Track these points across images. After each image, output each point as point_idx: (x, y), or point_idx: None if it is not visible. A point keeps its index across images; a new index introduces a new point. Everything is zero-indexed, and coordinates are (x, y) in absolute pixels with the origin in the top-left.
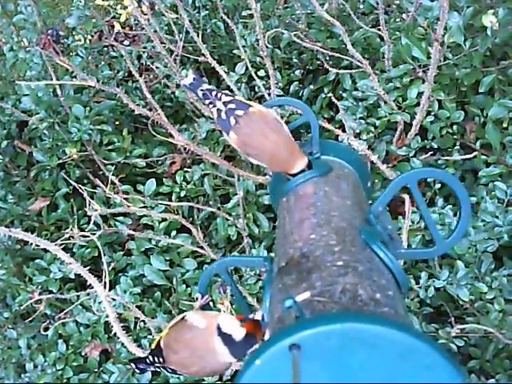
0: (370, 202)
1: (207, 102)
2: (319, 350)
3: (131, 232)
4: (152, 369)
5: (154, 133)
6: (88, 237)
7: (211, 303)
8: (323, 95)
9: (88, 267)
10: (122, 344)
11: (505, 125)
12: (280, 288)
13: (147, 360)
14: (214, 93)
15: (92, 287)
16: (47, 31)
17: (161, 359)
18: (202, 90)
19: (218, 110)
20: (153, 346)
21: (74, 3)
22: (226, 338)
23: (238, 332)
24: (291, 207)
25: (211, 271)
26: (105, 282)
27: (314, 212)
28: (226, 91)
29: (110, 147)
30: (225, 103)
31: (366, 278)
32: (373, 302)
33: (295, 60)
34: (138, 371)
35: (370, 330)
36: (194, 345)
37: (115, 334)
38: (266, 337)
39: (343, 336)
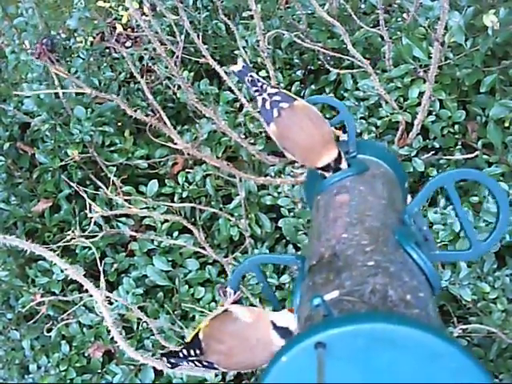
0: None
1: (254, 89)
2: (346, 349)
3: (133, 233)
4: (185, 363)
5: (155, 135)
6: (91, 237)
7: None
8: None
9: (91, 268)
10: None
11: (506, 124)
12: (310, 286)
13: (181, 354)
14: (260, 83)
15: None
16: (42, 41)
17: (197, 351)
18: (250, 77)
19: (263, 99)
20: (188, 339)
21: (75, 5)
22: (283, 332)
23: (295, 325)
24: (325, 205)
25: (243, 268)
26: (102, 288)
27: (348, 211)
28: (273, 84)
29: (111, 148)
30: (270, 95)
31: (397, 278)
32: (403, 303)
33: (296, 60)
34: (169, 365)
35: (398, 331)
36: (243, 335)
37: None
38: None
39: (370, 336)
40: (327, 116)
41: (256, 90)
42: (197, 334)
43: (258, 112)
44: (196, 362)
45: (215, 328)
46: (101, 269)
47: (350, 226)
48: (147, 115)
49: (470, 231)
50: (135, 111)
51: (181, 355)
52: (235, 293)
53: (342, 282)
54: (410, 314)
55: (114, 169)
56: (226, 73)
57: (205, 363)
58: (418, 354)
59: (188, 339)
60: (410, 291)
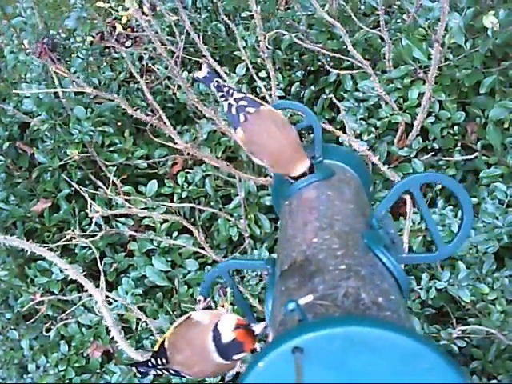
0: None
1: (219, 94)
2: (322, 354)
3: (133, 233)
4: (153, 372)
5: (155, 134)
6: (91, 237)
7: (213, 305)
8: (324, 96)
9: (90, 268)
10: None
11: (506, 126)
12: (282, 291)
13: (149, 363)
14: (226, 88)
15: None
16: (42, 40)
17: (164, 360)
18: (216, 82)
19: (229, 104)
20: (156, 348)
21: (74, 5)
22: (217, 336)
23: (227, 335)
24: (294, 211)
25: (213, 274)
26: (102, 287)
27: (317, 216)
28: (239, 88)
29: (111, 148)
30: (236, 100)
31: (369, 282)
32: (375, 306)
33: (296, 61)
34: (139, 375)
35: (373, 334)
36: (194, 343)
37: None
38: (269, 339)
39: (346, 339)
40: (327, 117)
41: (222, 96)
42: (163, 343)
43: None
44: (164, 371)
45: (177, 336)
46: (101, 268)
47: (320, 231)
48: (147, 115)
49: (435, 234)
50: (135, 111)
51: (149, 364)
52: (205, 299)
53: (314, 287)
54: (382, 316)
55: (114, 169)
56: (226, 73)
57: (171, 371)
58: (393, 355)
59: (155, 348)
60: (381, 294)
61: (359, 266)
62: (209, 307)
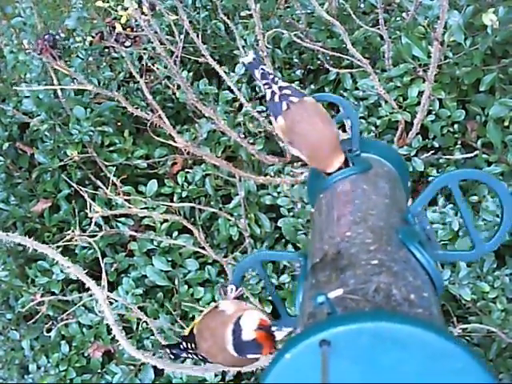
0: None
1: (263, 82)
2: (350, 348)
3: (133, 233)
4: (185, 355)
5: (155, 134)
6: (91, 237)
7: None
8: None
9: (91, 268)
10: None
11: (506, 123)
12: (313, 284)
13: (181, 346)
14: (271, 76)
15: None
16: (44, 37)
17: (193, 345)
18: (261, 70)
19: (272, 92)
20: (186, 333)
21: (74, 5)
22: (237, 331)
23: (248, 333)
24: (328, 204)
25: (245, 264)
26: (103, 286)
27: (351, 209)
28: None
29: (111, 148)
30: (280, 88)
31: (401, 278)
32: (407, 303)
33: (296, 60)
34: (172, 357)
35: (403, 330)
36: (215, 333)
37: None
38: (298, 331)
39: (375, 335)
40: None
41: (266, 83)
42: (192, 329)
43: (265, 110)
44: (194, 356)
45: (203, 324)
46: (102, 265)
47: (353, 225)
48: (148, 114)
49: (473, 232)
50: (135, 109)
51: (181, 347)
52: (237, 289)
53: (345, 280)
54: (413, 313)
55: (114, 169)
56: (225, 72)
57: (200, 357)
58: (422, 353)
59: (186, 332)
60: (413, 291)
61: (392, 261)
62: (240, 297)
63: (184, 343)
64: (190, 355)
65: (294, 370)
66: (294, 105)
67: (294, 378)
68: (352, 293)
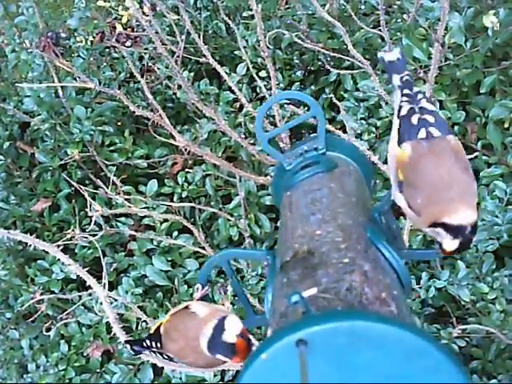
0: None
1: (403, 92)
2: (326, 347)
3: (133, 233)
4: (147, 352)
5: (156, 134)
6: (91, 236)
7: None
8: (324, 96)
9: (90, 268)
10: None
11: (506, 125)
12: (284, 283)
13: (144, 343)
14: (415, 89)
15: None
16: (47, 34)
17: (158, 344)
18: (407, 76)
19: (411, 108)
20: (151, 331)
21: (75, 4)
22: (219, 329)
23: (230, 335)
24: (296, 202)
25: (212, 262)
26: (104, 284)
27: (320, 208)
28: (430, 100)
29: (111, 148)
30: (422, 109)
31: (372, 276)
32: (378, 301)
33: (296, 61)
34: (132, 352)
35: (378, 329)
36: (187, 335)
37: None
38: (269, 331)
39: (351, 334)
40: (327, 117)
41: (406, 95)
42: (159, 328)
43: (398, 127)
44: (157, 354)
45: (172, 325)
46: (103, 263)
47: (323, 223)
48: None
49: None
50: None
51: (144, 345)
52: (203, 287)
53: (318, 279)
54: (385, 311)
55: (114, 168)
56: (226, 73)
57: (165, 357)
58: (397, 351)
59: (152, 330)
60: (384, 289)
61: (362, 259)
62: (206, 296)
63: (148, 341)
64: (153, 353)
65: (270, 369)
66: (433, 140)
67: (269, 378)
68: (325, 291)
